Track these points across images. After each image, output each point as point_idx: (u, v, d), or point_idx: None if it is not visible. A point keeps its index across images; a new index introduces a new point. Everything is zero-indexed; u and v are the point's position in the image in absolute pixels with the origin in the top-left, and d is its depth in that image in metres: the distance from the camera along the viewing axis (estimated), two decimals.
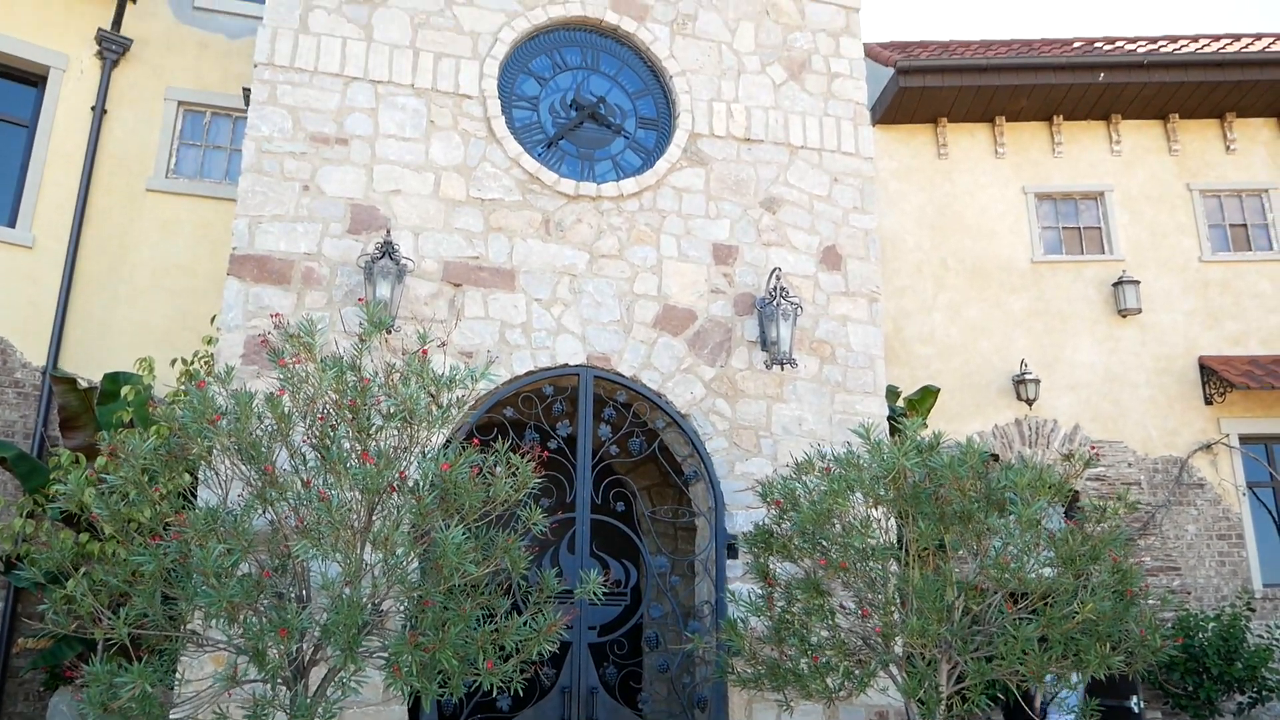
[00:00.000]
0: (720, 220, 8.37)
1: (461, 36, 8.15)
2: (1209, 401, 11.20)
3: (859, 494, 5.82)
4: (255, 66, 7.63)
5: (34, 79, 9.65)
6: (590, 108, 8.40)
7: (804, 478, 6.26)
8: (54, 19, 9.63)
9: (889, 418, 9.26)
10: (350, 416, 5.52)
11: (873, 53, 11.53)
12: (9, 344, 8.94)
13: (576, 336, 7.78)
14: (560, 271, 7.86)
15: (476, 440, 6.03)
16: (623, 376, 7.82)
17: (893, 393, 10.39)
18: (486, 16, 8.25)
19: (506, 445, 5.91)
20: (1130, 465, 11.01)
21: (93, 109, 9.58)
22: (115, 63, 9.74)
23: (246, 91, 9.31)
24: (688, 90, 8.56)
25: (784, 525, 6.35)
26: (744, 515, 7.71)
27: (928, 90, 11.15)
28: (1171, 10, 33.40)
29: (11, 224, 9.23)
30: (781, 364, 7.96)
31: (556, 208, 7.99)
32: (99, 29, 9.67)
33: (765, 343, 8.09)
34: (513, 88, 8.29)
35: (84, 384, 8.87)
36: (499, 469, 5.59)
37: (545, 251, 7.86)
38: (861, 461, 5.93)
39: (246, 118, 8.82)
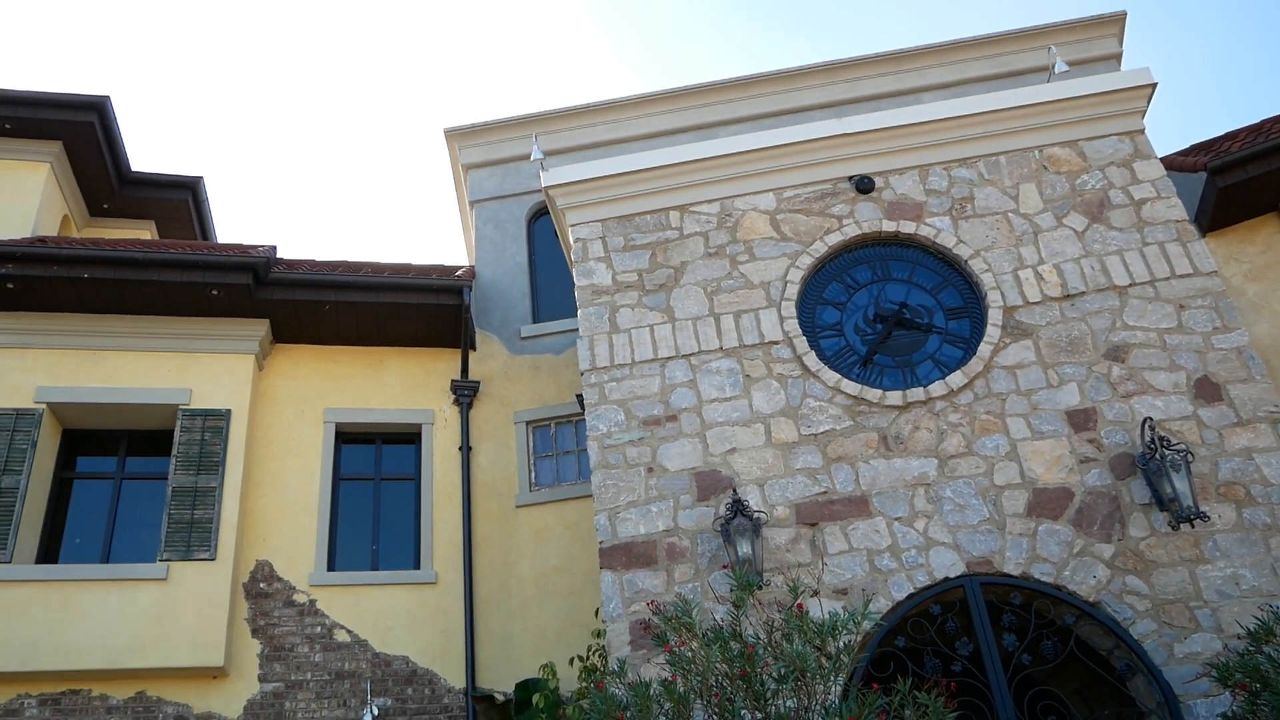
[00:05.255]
0: (1066, 386, 7.80)
1: (753, 290, 8.53)
2: None
3: None
4: (582, 374, 8.37)
5: (411, 437, 11.15)
6: (894, 316, 8.36)
7: (1264, 649, 5.31)
8: (417, 383, 11.21)
9: None
10: (744, 686, 5.45)
11: (1175, 164, 10.71)
12: (434, 674, 9.80)
13: (949, 546, 7.34)
14: (912, 484, 7.58)
15: (875, 685, 5.71)
16: (1011, 577, 7.21)
17: None
18: (770, 265, 8.62)
19: (909, 682, 5.54)
20: None
21: (460, 449, 10.83)
22: (470, 404, 11.06)
23: (579, 397, 10.17)
24: (987, 268, 8.33)
25: (1261, 710, 5.34)
26: (1205, 705, 6.59)
27: (1253, 181, 10.07)
28: None
29: (417, 566, 10.40)
30: (1190, 520, 7.01)
31: (889, 422, 7.83)
32: (451, 380, 11.12)
33: (1162, 502, 7.21)
34: (813, 320, 8.47)
35: (500, 698, 9.48)
36: (908, 711, 5.24)
37: (890, 469, 7.65)
38: None
39: (584, 420, 9.59)
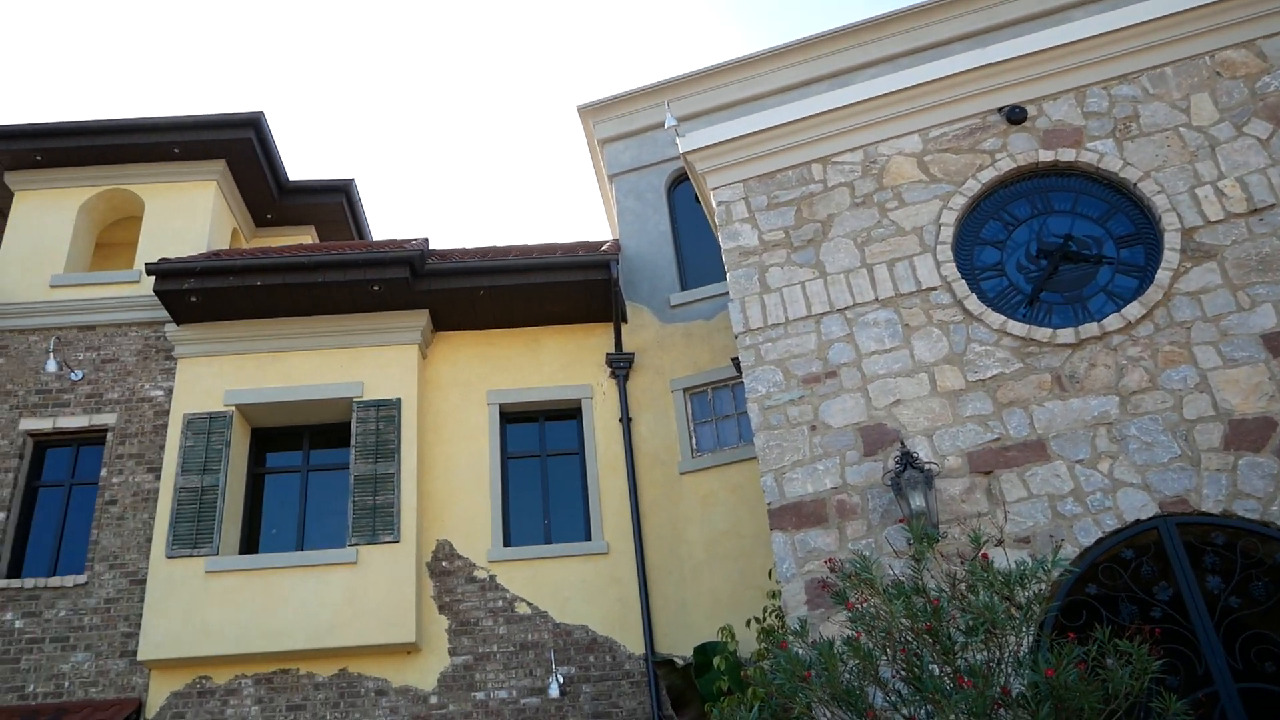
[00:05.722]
0: (1260, 307, 7.24)
1: (905, 237, 8.26)
2: None
3: None
4: (736, 337, 8.31)
5: (571, 413, 11.37)
6: (1059, 250, 7.94)
7: None
8: (572, 359, 11.41)
9: None
10: (930, 640, 5.34)
11: None
12: (614, 641, 10.01)
13: (1138, 487, 6.96)
14: (1092, 424, 7.21)
15: (1071, 634, 5.48)
16: (1210, 515, 6.78)
17: None
18: (922, 209, 8.32)
19: (1107, 630, 5.31)
20: None
21: (620, 420, 10.97)
22: (626, 376, 11.19)
23: (735, 361, 10.12)
24: (1160, 189, 7.79)
25: None
26: None
27: None
28: None
29: (588, 538, 10.62)
30: None
31: (1062, 361, 7.47)
32: (606, 354, 11.26)
33: None
34: (971, 262, 8.14)
35: (680, 662, 9.60)
36: (1109, 660, 5.02)
37: (1067, 410, 7.29)
38: None
39: (741, 383, 9.53)
